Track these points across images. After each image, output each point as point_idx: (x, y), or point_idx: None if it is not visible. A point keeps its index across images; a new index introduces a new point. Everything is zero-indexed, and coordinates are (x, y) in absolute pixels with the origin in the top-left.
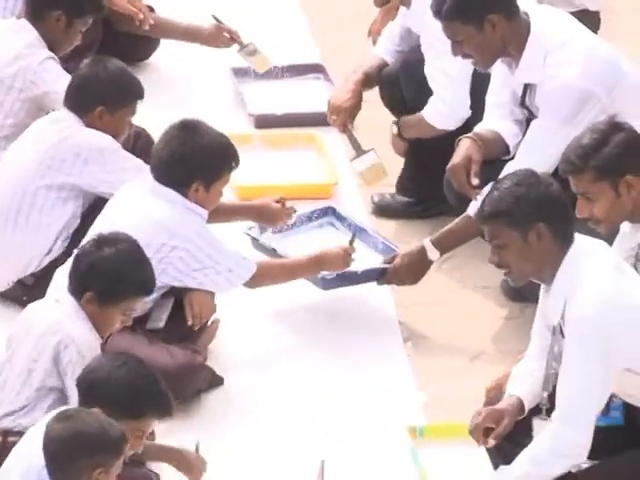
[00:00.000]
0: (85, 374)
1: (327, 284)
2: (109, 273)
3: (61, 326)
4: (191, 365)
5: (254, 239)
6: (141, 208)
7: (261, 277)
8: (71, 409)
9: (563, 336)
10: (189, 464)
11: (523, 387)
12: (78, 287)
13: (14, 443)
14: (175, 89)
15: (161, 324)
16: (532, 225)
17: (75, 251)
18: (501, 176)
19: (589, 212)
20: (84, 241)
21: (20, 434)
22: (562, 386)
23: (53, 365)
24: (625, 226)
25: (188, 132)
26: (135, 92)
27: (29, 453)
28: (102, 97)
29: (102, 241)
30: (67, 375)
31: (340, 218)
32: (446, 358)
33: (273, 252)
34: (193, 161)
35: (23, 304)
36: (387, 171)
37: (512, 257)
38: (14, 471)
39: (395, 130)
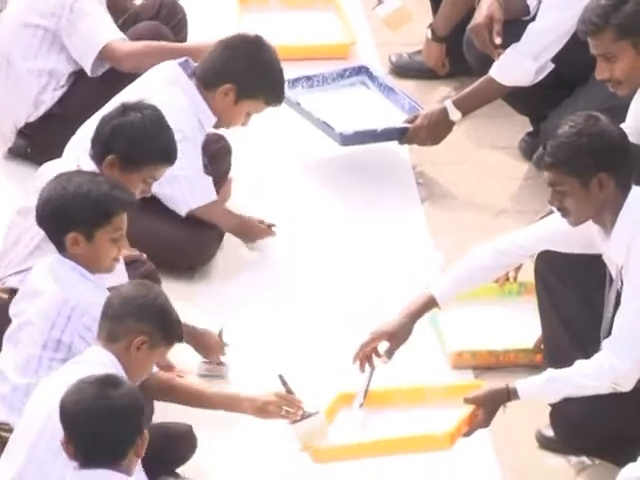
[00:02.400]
0: (41, 210)
1: (346, 140)
2: (134, 136)
3: None
4: (206, 237)
5: None
6: None
7: None
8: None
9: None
10: (207, 347)
11: (450, 283)
12: (101, 150)
13: None
14: None
15: None
16: (594, 175)
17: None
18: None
19: (609, 73)
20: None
21: None
22: (619, 315)
23: None
24: None
25: None
26: None
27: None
28: None
29: (127, 107)
30: None
31: (372, 77)
32: (464, 218)
33: (297, 106)
34: None
35: (28, 157)
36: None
37: (573, 203)
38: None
39: (429, 34)
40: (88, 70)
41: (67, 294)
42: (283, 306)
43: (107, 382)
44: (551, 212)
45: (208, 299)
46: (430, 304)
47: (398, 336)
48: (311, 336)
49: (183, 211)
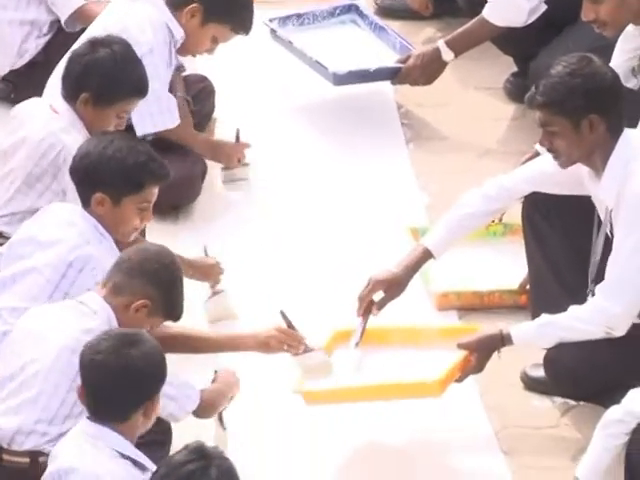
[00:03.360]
0: (77, 163)
1: (339, 80)
2: (105, 72)
3: (58, 138)
4: (190, 176)
5: (272, 31)
6: None
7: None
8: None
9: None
10: (204, 266)
11: (442, 233)
12: (73, 89)
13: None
14: None
15: None
16: (585, 116)
17: (67, 55)
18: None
19: (595, 15)
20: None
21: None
22: (611, 260)
23: (52, 180)
24: (629, 27)
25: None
26: None
27: None
28: None
29: (96, 43)
30: (69, 189)
31: (362, 16)
32: (449, 159)
33: (289, 44)
34: None
35: (11, 102)
36: None
37: (563, 144)
38: None
39: None
40: (64, 25)
41: (82, 249)
42: (267, 246)
43: (128, 340)
44: (537, 154)
45: (192, 239)
46: (425, 256)
47: (393, 290)
48: (297, 276)
49: (138, 132)
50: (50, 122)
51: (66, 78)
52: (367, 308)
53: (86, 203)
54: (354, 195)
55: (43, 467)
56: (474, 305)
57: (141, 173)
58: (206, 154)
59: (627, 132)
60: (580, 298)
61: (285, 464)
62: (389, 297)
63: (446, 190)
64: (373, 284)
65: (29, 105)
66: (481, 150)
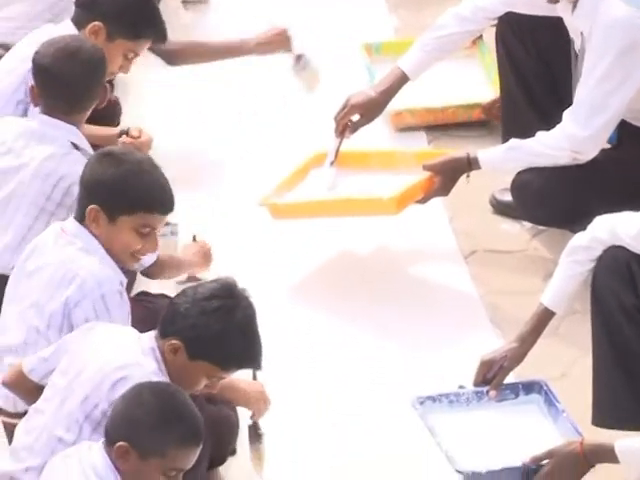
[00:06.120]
0: None
1: None
2: None
3: None
4: None
5: None
6: None
7: None
8: None
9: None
10: None
11: (418, 55)
12: None
13: None
14: None
15: None
16: None
17: None
18: None
19: None
20: None
21: None
22: (581, 85)
23: None
24: None
25: None
26: None
27: None
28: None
29: None
30: None
31: None
32: None
33: None
34: None
35: None
36: None
37: None
38: None
39: None
40: None
41: None
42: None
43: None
44: None
45: None
46: (402, 79)
47: (370, 113)
48: (270, 106)
49: None
50: None
51: None
52: (343, 130)
53: (81, 26)
54: (327, 20)
55: None
56: (428, 122)
57: (144, 23)
58: None
59: None
60: (552, 122)
61: (253, 275)
62: (365, 120)
63: (416, 14)
64: (350, 107)
65: None
66: None
